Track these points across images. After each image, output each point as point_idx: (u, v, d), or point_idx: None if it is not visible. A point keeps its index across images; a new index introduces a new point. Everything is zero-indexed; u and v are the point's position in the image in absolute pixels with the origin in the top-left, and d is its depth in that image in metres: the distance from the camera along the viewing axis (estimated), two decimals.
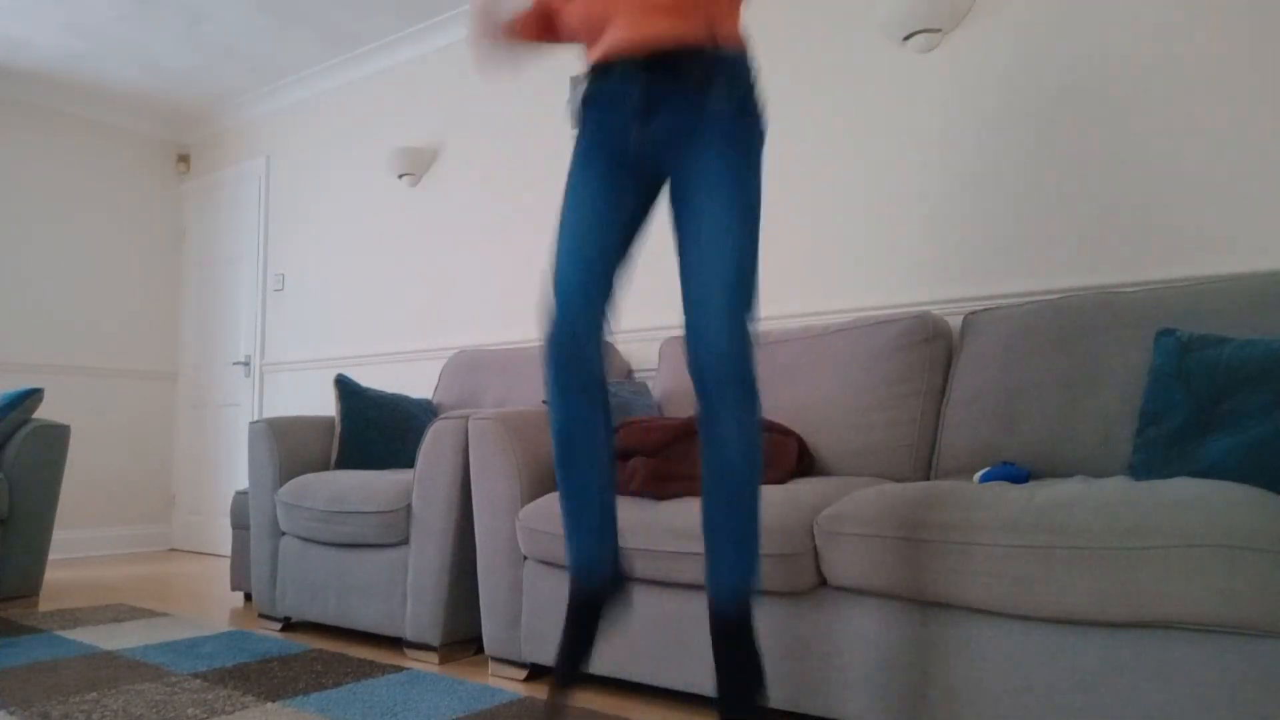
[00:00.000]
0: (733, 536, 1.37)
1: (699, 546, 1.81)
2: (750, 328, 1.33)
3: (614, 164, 1.47)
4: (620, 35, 1.45)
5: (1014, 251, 2.45)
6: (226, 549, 4.81)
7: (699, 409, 1.38)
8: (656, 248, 3.06)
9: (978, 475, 1.90)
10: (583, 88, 1.50)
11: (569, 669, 1.44)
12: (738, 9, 1.49)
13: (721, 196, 1.36)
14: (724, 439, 1.35)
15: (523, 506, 2.20)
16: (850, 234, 2.74)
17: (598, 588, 1.48)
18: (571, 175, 1.50)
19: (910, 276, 2.62)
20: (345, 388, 3.09)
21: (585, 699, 2.05)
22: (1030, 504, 1.48)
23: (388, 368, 4.11)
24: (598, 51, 1.50)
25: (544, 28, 1.68)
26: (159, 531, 5.14)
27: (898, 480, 2.19)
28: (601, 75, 1.48)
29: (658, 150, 1.44)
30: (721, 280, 1.32)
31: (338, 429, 3.03)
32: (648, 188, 1.49)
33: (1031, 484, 1.68)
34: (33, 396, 3.27)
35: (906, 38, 2.61)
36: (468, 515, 2.42)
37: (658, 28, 1.41)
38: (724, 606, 1.38)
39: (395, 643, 2.67)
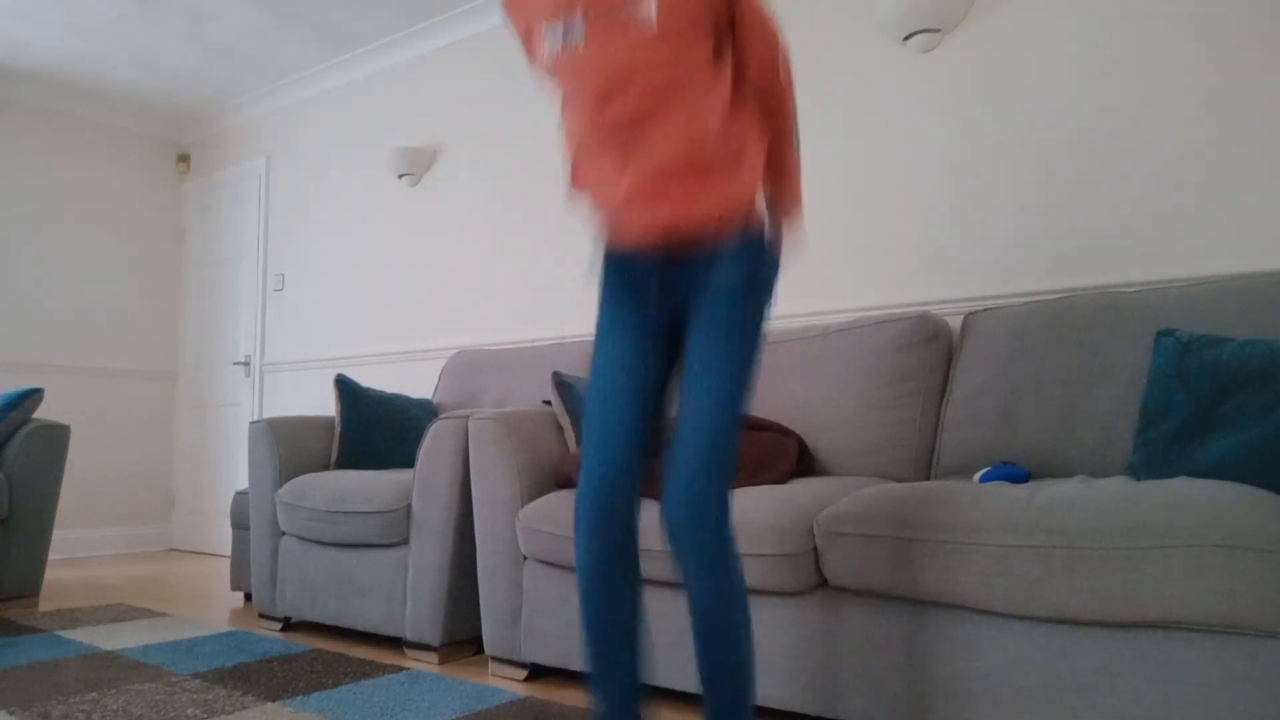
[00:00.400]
0: (715, 683, 1.30)
1: None
2: (720, 491, 1.28)
3: (639, 316, 1.42)
4: (630, 218, 1.36)
5: (1014, 251, 2.45)
6: (226, 549, 4.81)
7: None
8: None
9: (978, 475, 1.90)
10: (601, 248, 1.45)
11: None
12: (754, 173, 1.36)
13: (714, 368, 1.31)
14: (693, 590, 1.30)
15: (523, 506, 2.20)
16: (850, 234, 2.74)
17: None
18: (600, 324, 1.44)
19: (910, 276, 2.62)
20: (345, 388, 3.09)
21: (585, 699, 2.05)
22: (1030, 504, 1.48)
23: (388, 368, 4.11)
24: (607, 223, 1.41)
25: None
26: (159, 531, 5.14)
27: (898, 480, 2.18)
28: (616, 247, 1.43)
29: (675, 310, 1.41)
30: (695, 449, 1.28)
31: (338, 429, 3.03)
32: (672, 336, 1.44)
33: (1031, 484, 1.68)
34: (33, 396, 3.27)
35: (906, 38, 2.61)
36: (468, 515, 2.42)
37: (671, 211, 1.32)
38: None
39: (395, 643, 2.67)
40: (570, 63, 1.30)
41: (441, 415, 2.68)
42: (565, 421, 2.38)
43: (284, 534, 2.87)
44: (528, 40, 1.40)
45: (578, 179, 1.43)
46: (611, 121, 1.30)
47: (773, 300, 1.41)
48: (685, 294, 1.37)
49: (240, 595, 3.50)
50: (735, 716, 1.30)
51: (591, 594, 1.36)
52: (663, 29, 1.25)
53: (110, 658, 2.41)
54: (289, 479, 2.92)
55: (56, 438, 3.28)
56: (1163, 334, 1.77)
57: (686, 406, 1.31)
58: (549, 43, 1.31)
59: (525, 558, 2.20)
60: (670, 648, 1.91)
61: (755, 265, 1.34)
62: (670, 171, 1.30)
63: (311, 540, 2.75)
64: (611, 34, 1.27)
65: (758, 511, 1.76)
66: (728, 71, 1.34)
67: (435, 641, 2.41)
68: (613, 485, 1.34)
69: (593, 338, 1.46)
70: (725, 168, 1.32)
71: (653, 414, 1.40)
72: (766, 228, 1.37)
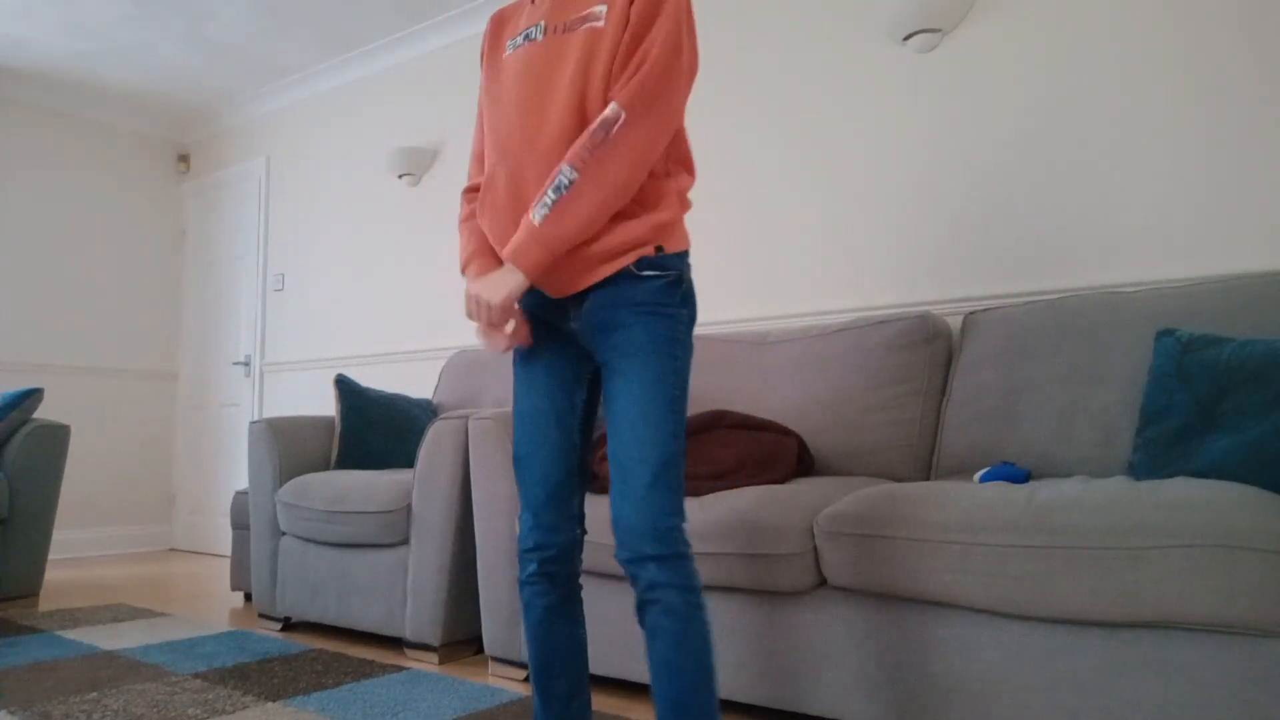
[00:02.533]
0: (573, 682, 1.40)
1: (698, 546, 1.81)
2: (674, 504, 1.26)
3: (551, 345, 1.40)
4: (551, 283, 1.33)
5: (1014, 251, 2.45)
6: (226, 549, 4.81)
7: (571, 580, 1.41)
8: None
9: (978, 475, 1.90)
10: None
11: None
12: (674, 213, 1.34)
13: (632, 391, 1.28)
14: (659, 628, 1.23)
15: None
16: (851, 233, 2.74)
17: None
18: (519, 359, 1.43)
19: (910, 276, 2.62)
20: (345, 388, 3.09)
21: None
22: (1030, 504, 1.48)
23: (388, 368, 4.11)
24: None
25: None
26: (159, 531, 5.14)
27: (898, 480, 2.18)
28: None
29: (592, 334, 1.35)
30: (625, 474, 1.26)
31: (338, 429, 3.03)
32: (589, 367, 1.42)
33: (1031, 484, 1.68)
34: (33, 396, 3.27)
35: (906, 38, 2.61)
36: (468, 515, 2.42)
37: (587, 279, 1.30)
38: None
39: (395, 643, 2.67)
40: (523, 54, 1.35)
41: (441, 415, 2.68)
42: None
43: (284, 534, 2.87)
44: (492, 49, 1.43)
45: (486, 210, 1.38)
46: (537, 146, 1.29)
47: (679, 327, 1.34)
48: (601, 322, 1.32)
49: (240, 595, 3.49)
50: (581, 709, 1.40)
51: (545, 643, 1.39)
52: (593, 35, 1.30)
53: (110, 658, 2.41)
54: (289, 479, 2.92)
55: (56, 438, 3.28)
56: (1163, 334, 1.77)
57: (618, 440, 1.28)
58: (509, 48, 1.38)
59: None
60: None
61: (669, 287, 1.32)
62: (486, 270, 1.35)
63: (311, 540, 2.75)
64: (562, 34, 1.33)
65: (758, 511, 1.76)
66: None
67: (435, 641, 2.41)
68: (556, 538, 1.37)
69: (516, 378, 1.44)
70: (636, 213, 1.31)
71: (580, 449, 1.41)
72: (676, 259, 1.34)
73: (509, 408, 2.43)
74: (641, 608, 1.26)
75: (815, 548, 1.70)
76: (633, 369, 1.28)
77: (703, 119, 3.12)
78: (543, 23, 1.35)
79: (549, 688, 1.41)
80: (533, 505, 1.38)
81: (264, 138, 4.89)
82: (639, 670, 1.97)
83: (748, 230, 2.97)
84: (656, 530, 1.23)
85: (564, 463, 1.38)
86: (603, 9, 1.31)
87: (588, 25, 1.30)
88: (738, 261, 2.97)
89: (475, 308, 1.29)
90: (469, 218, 1.48)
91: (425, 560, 2.44)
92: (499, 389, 3.21)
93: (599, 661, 2.03)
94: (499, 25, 1.48)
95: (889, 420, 2.25)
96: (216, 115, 5.09)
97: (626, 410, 1.27)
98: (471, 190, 1.49)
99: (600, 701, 2.03)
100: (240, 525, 3.32)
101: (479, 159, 1.49)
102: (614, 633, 2.00)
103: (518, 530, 2.16)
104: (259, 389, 4.76)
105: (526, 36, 1.36)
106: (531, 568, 1.38)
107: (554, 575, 1.39)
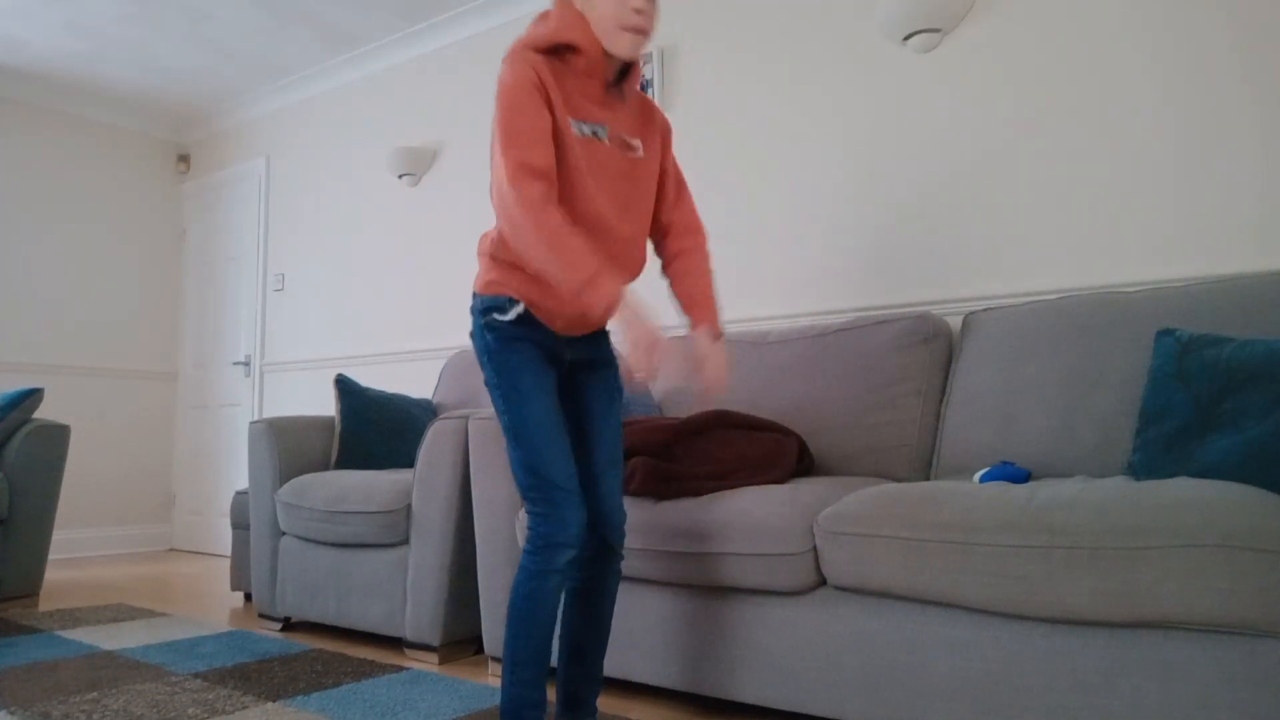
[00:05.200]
0: (601, 652, 1.69)
1: (699, 546, 1.81)
2: None
3: (552, 370, 1.62)
4: (591, 314, 1.56)
5: (1014, 251, 2.45)
6: (226, 549, 4.81)
7: (596, 562, 1.64)
8: None
9: (978, 475, 1.90)
10: (519, 310, 1.57)
11: None
12: None
13: (616, 411, 1.69)
14: (611, 590, 1.66)
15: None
16: (850, 233, 2.75)
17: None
18: (526, 375, 1.57)
19: (910, 276, 2.62)
20: (345, 388, 3.09)
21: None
22: (1030, 504, 1.48)
23: (388, 368, 4.11)
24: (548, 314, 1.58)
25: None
26: (159, 531, 5.14)
27: (898, 480, 2.18)
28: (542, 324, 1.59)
29: (578, 362, 1.66)
30: (619, 474, 1.66)
31: (338, 429, 3.03)
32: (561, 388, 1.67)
33: (1031, 484, 1.68)
34: (33, 396, 3.27)
35: (906, 38, 2.61)
36: (468, 515, 2.42)
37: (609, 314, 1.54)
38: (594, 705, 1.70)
39: (395, 643, 2.67)
40: (595, 148, 1.54)
41: (441, 415, 2.68)
42: None
43: (284, 534, 2.87)
44: (551, 109, 1.50)
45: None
46: (623, 235, 1.59)
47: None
48: (587, 352, 1.67)
49: (240, 595, 3.49)
50: (600, 669, 1.70)
51: (549, 615, 1.53)
52: (649, 167, 1.64)
53: (110, 658, 2.41)
54: (289, 479, 2.92)
55: (56, 438, 3.27)
56: (1163, 334, 1.77)
57: (609, 446, 1.65)
58: (575, 128, 1.51)
59: None
60: (670, 648, 1.91)
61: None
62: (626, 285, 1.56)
63: (311, 540, 2.75)
64: (624, 151, 1.59)
65: (758, 511, 1.76)
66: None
67: (435, 641, 2.41)
68: (580, 537, 1.55)
69: (519, 392, 1.59)
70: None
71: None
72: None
73: None
74: (604, 578, 1.65)
75: (815, 548, 1.70)
76: (615, 403, 1.70)
77: (702, 119, 3.12)
78: (606, 127, 1.55)
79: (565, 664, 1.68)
80: (575, 500, 1.53)
81: (264, 138, 4.89)
82: (639, 670, 1.97)
83: (748, 230, 2.97)
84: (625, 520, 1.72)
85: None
86: (639, 143, 1.62)
87: (633, 155, 1.60)
88: (737, 262, 2.97)
89: (652, 346, 1.46)
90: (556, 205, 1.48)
91: (425, 560, 2.43)
92: None
93: None
94: (555, 78, 1.50)
95: (889, 420, 2.25)
96: (216, 115, 5.09)
97: (616, 427, 1.69)
98: (542, 177, 1.46)
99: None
100: (240, 525, 3.32)
101: (545, 147, 1.49)
102: (614, 632, 2.00)
103: (516, 528, 2.17)
104: (259, 389, 4.76)
105: (595, 133, 1.54)
106: (571, 554, 1.52)
107: (580, 560, 1.59)
